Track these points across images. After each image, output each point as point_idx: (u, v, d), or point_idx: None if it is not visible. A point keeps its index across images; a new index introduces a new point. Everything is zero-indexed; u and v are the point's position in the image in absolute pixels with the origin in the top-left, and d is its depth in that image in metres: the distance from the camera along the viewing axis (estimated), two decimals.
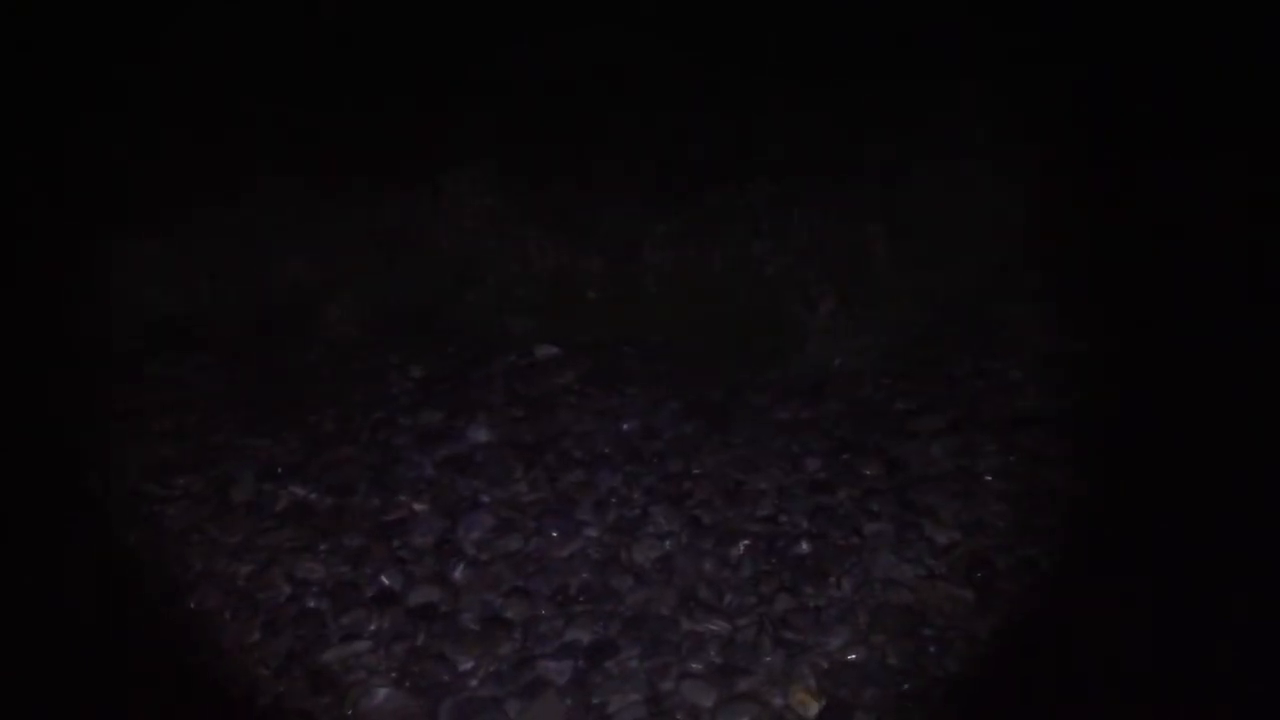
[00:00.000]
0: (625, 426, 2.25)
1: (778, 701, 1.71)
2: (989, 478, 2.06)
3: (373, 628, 1.85)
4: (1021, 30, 2.51)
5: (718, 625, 1.82)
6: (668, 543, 1.98)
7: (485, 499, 2.09)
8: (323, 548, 2.00)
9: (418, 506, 2.09)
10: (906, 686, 1.73)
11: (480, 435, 2.24)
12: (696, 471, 2.13)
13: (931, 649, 1.77)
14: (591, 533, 2.01)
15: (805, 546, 1.95)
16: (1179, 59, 2.36)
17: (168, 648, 1.86)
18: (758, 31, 2.72)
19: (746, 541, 1.97)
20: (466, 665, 1.79)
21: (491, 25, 2.71)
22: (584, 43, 2.68)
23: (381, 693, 1.76)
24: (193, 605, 1.91)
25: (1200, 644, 1.71)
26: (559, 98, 2.72)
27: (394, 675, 1.78)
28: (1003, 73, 2.54)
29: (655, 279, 2.62)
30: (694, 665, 1.77)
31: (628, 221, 2.64)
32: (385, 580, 1.94)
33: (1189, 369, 2.20)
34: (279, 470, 2.17)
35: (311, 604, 1.90)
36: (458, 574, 1.95)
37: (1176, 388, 2.16)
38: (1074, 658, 1.72)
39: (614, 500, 2.07)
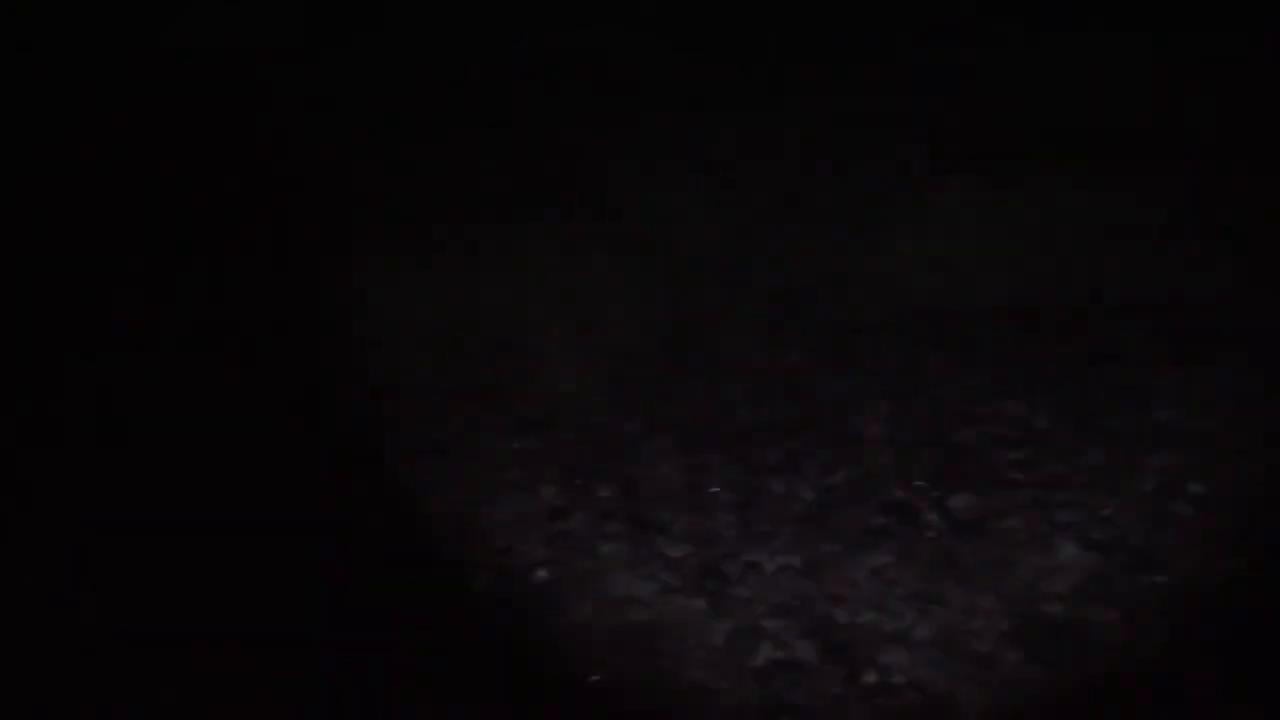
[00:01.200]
0: None
1: None
2: (716, 489, 2.13)
3: None
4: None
5: None
6: None
7: None
8: None
9: None
10: (650, 704, 1.76)
11: None
12: (428, 512, 2.11)
13: (669, 662, 1.80)
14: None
15: (543, 574, 1.96)
16: None
17: None
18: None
19: (482, 578, 1.96)
20: None
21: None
22: None
23: None
24: None
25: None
26: None
27: None
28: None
29: (378, 318, 2.59)
30: None
31: (345, 260, 2.60)
32: None
33: (894, 374, 2.35)
34: None
35: None
36: None
37: (884, 392, 2.31)
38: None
39: None
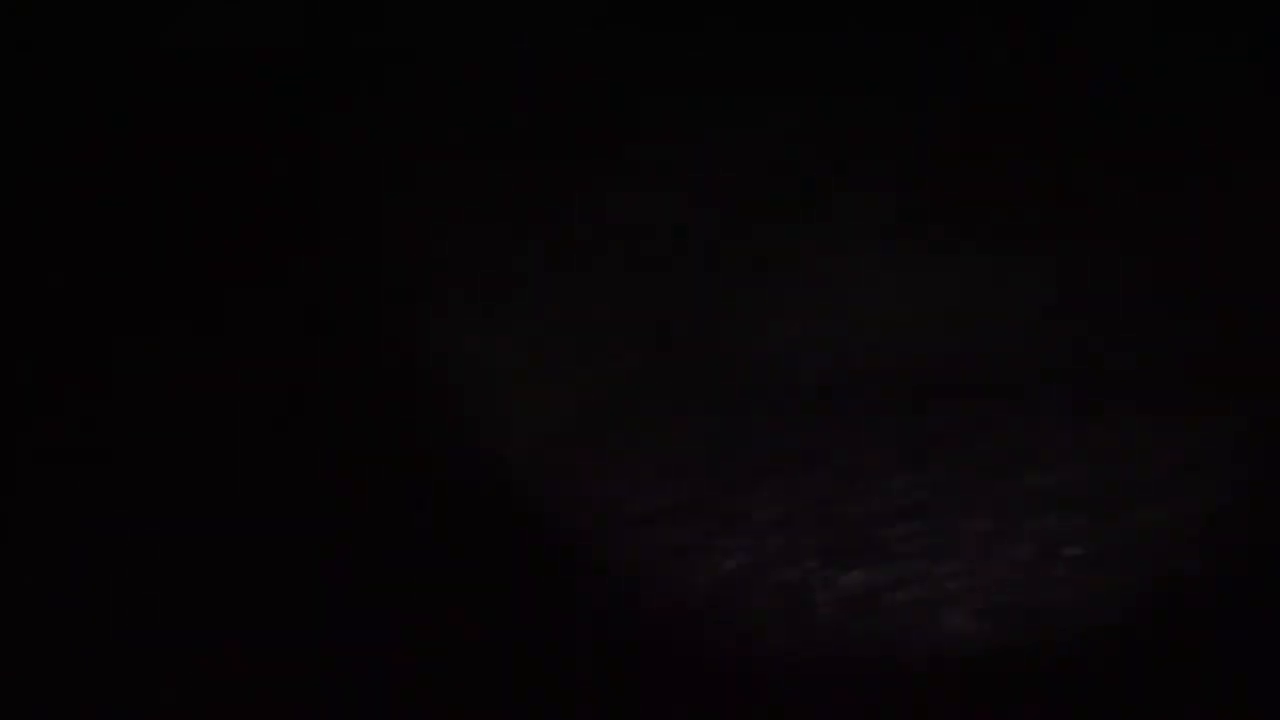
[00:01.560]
0: None
1: None
2: (636, 572, 2.12)
3: None
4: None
5: None
6: None
7: None
8: None
9: None
10: None
11: None
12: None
13: None
14: None
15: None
16: None
17: None
18: None
19: None
20: None
21: None
22: None
23: None
24: None
25: None
26: None
27: None
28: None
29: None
30: None
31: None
32: None
33: (784, 451, 2.32)
34: None
35: None
36: None
37: (774, 470, 2.29)
38: None
39: None
